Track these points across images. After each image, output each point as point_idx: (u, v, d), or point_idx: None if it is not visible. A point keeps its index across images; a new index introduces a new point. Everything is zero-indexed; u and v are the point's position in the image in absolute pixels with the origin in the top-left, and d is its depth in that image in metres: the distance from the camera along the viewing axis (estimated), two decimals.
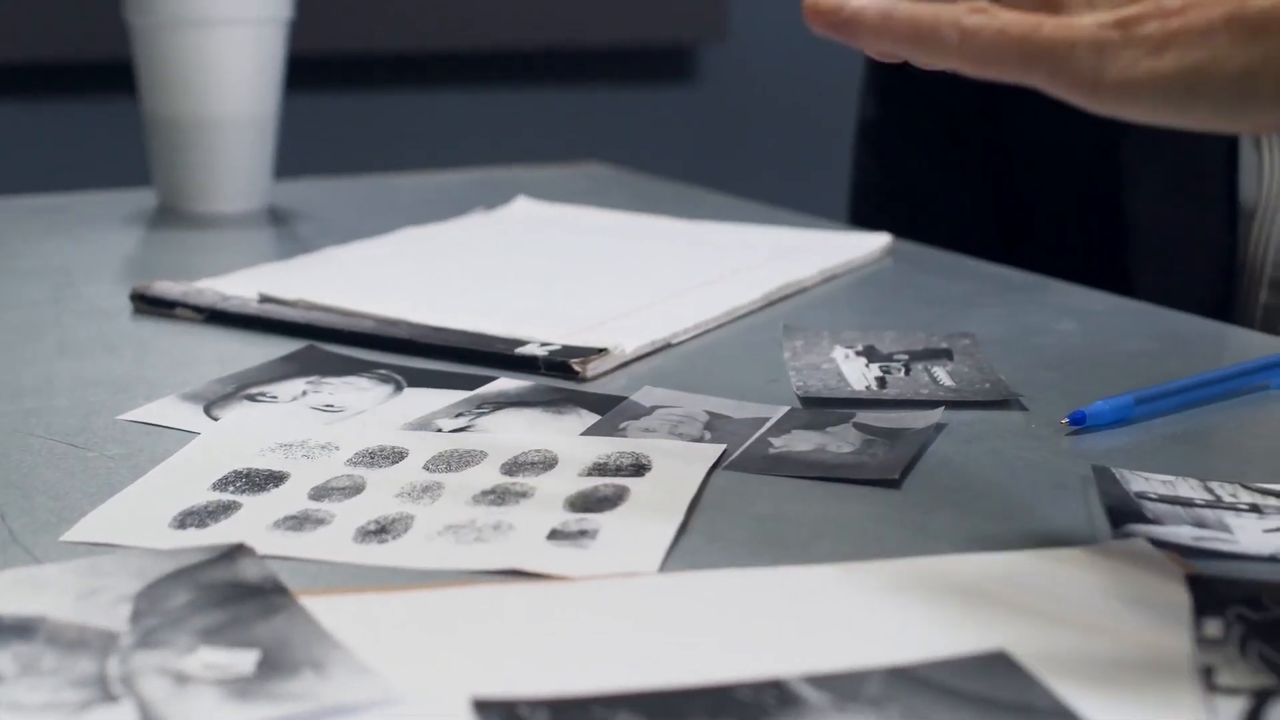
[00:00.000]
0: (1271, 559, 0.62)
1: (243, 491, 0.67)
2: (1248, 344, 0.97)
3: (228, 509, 0.66)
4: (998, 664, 0.52)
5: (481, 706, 0.49)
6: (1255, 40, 0.56)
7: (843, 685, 0.50)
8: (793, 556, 0.61)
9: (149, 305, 0.95)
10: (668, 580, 0.59)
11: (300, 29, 1.28)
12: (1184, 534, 0.63)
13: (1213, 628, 0.54)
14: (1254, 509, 0.66)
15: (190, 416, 0.77)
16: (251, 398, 0.80)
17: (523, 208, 1.23)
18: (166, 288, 0.96)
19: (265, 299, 0.94)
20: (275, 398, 0.80)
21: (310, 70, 2.07)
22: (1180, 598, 0.57)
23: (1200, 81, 0.57)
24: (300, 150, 1.59)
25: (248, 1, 1.22)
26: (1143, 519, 0.64)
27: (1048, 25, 0.59)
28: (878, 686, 0.50)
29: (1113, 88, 0.57)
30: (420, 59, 2.45)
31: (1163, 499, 0.67)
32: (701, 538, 0.63)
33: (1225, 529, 0.64)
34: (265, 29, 1.23)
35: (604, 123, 2.57)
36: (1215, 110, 0.57)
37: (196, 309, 0.94)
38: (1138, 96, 0.57)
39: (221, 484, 0.68)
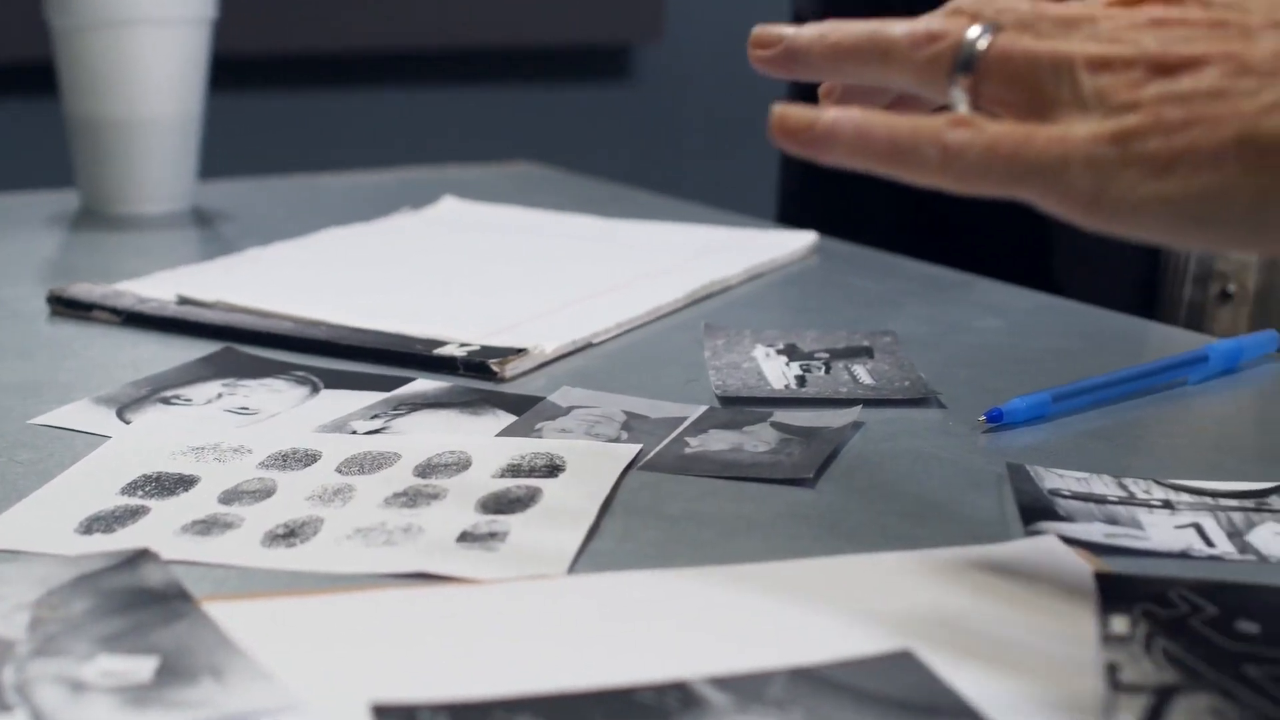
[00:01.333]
0: (1182, 555, 0.62)
1: (151, 496, 0.67)
2: (1169, 340, 0.97)
3: (135, 514, 0.65)
4: (903, 663, 0.52)
5: (381, 712, 0.49)
6: (1268, 165, 0.51)
7: (746, 686, 0.50)
8: (704, 557, 0.61)
9: (66, 308, 0.94)
10: (576, 582, 0.59)
11: (225, 28, 1.27)
12: (1095, 531, 0.63)
13: (1119, 625, 0.54)
14: (1167, 505, 0.66)
15: (102, 420, 0.76)
16: (165, 401, 0.79)
17: (449, 207, 1.23)
18: (84, 290, 0.95)
19: (184, 301, 0.94)
20: (190, 400, 0.79)
21: (236, 70, 2.06)
22: (1088, 595, 0.57)
23: (1210, 209, 0.52)
24: (225, 151, 1.58)
25: (170, 1, 1.21)
26: (1055, 516, 0.64)
27: (1039, 139, 0.54)
28: (781, 688, 0.50)
29: (1112, 209, 0.53)
30: (351, 58, 2.44)
31: (1076, 496, 0.67)
32: (613, 539, 0.63)
33: (1137, 526, 0.64)
34: (188, 29, 1.22)
35: (540, 122, 2.56)
36: (1227, 237, 0.54)
37: (114, 311, 0.93)
38: (1140, 220, 0.53)
39: (130, 488, 0.67)
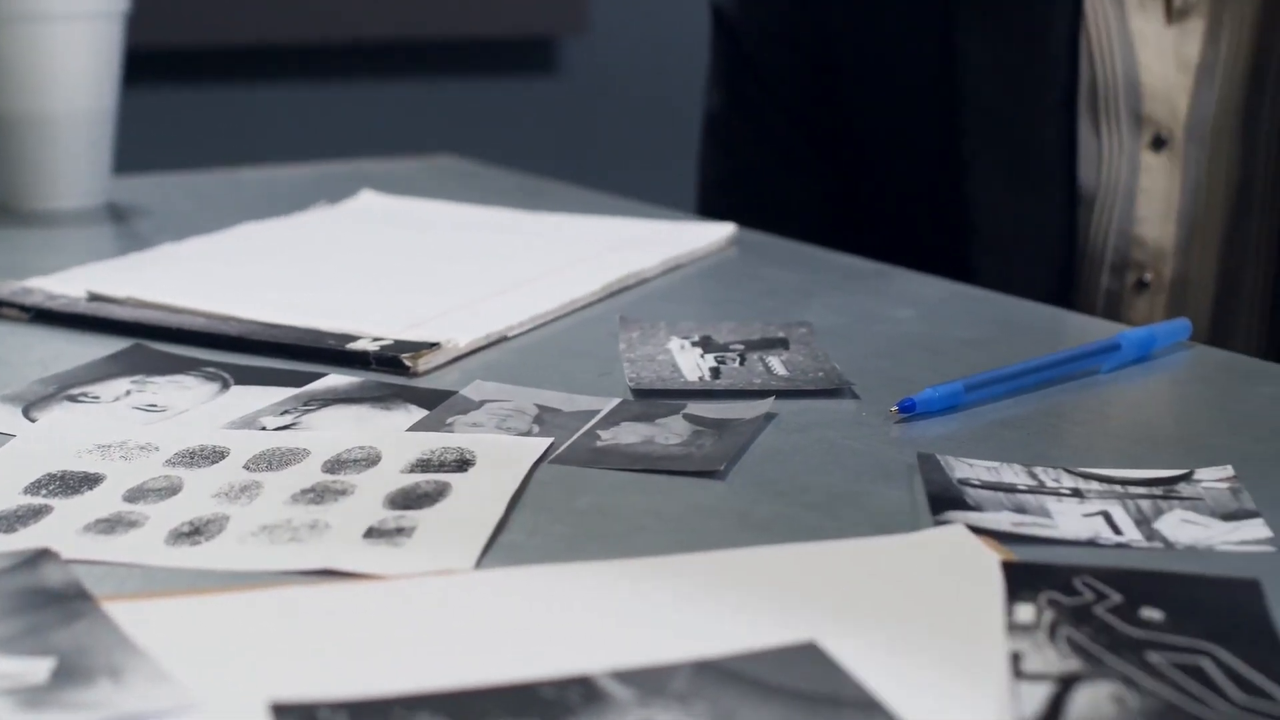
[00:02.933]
0: (1089, 543, 0.62)
1: (55, 495, 0.66)
2: (1084, 330, 0.97)
3: (38, 513, 0.64)
4: (807, 655, 0.52)
5: (280, 711, 0.48)
6: None
7: (649, 680, 0.50)
8: (613, 550, 0.60)
9: None
10: (482, 577, 0.58)
11: (138, 22, 1.26)
12: (1004, 520, 0.63)
13: (1024, 614, 0.54)
14: (1076, 494, 0.66)
15: (7, 418, 0.75)
16: (73, 398, 0.78)
17: (367, 201, 1.22)
18: None
19: (94, 297, 0.92)
20: (97, 398, 0.78)
21: (150, 64, 2.04)
22: (994, 584, 0.57)
23: None
24: (141, 146, 1.56)
25: None
26: (964, 506, 0.64)
27: None
28: (684, 681, 0.50)
29: None
30: (269, 52, 2.42)
31: (985, 485, 0.67)
32: (522, 533, 0.62)
33: (1045, 514, 0.64)
34: (101, 23, 1.21)
35: (465, 117, 2.55)
36: None
37: (23, 308, 0.92)
38: None
39: (34, 487, 0.66)
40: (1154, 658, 0.51)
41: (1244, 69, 1.12)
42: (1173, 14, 1.12)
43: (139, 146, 1.51)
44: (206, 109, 2.39)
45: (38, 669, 0.50)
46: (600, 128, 2.65)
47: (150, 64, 2.07)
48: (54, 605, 0.55)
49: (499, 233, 1.12)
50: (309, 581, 0.58)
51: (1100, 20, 1.13)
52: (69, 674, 0.50)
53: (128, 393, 0.79)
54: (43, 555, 0.58)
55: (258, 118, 2.42)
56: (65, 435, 0.72)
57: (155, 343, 0.86)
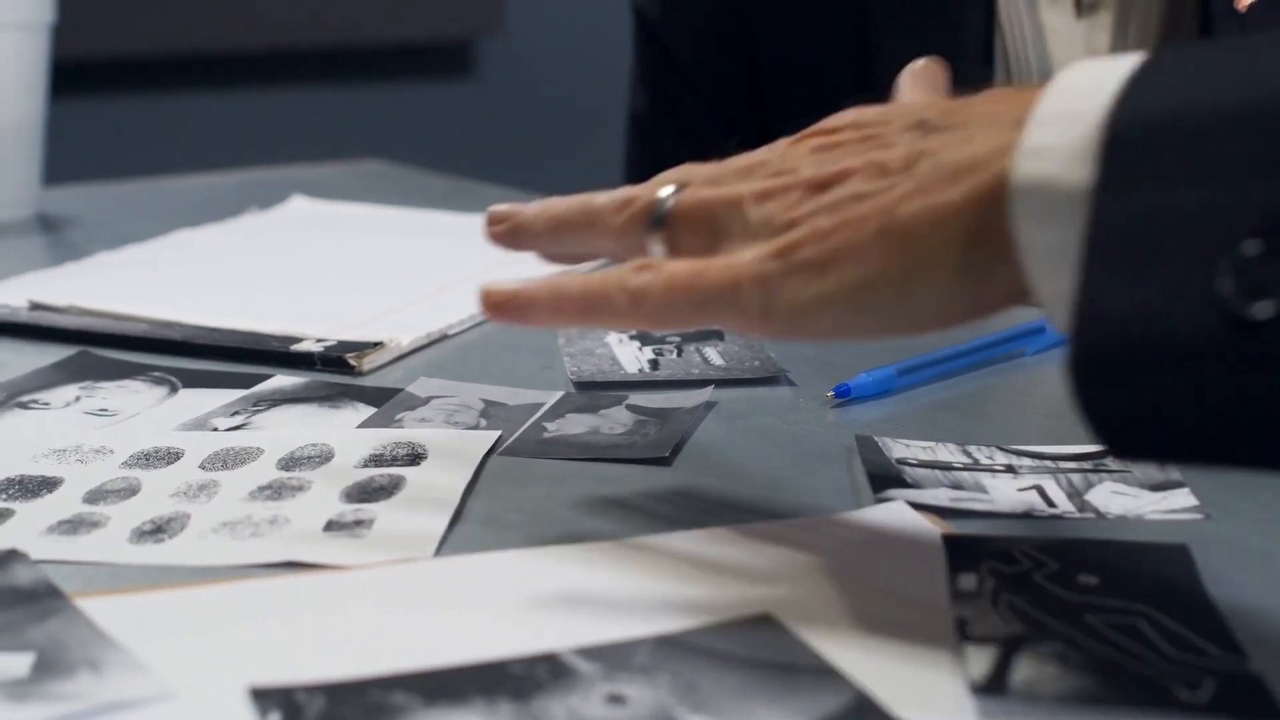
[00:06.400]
0: (1025, 516, 0.64)
1: (15, 499, 0.67)
2: (1009, 314, 0.99)
3: (1, 516, 0.65)
4: (763, 627, 0.54)
5: (259, 695, 0.50)
6: (907, 248, 0.55)
7: (613, 655, 0.52)
8: (566, 536, 0.62)
9: None
10: (443, 564, 0.60)
11: (65, 32, 1.27)
12: (942, 496, 0.66)
13: (967, 582, 0.57)
14: (1009, 469, 0.69)
15: None
16: (23, 405, 0.79)
17: (298, 206, 1.23)
18: None
19: (36, 306, 0.93)
20: (47, 404, 0.79)
21: (77, 74, 2.04)
22: (937, 556, 0.59)
23: (865, 297, 0.56)
24: (69, 156, 1.57)
25: (8, 6, 1.20)
26: (903, 484, 0.67)
27: (712, 269, 0.58)
28: (647, 655, 0.52)
29: (784, 315, 0.57)
30: (193, 61, 2.42)
31: (922, 464, 0.69)
32: (476, 522, 0.64)
33: (981, 490, 0.67)
34: (28, 34, 1.22)
35: (385, 120, 2.56)
36: (886, 322, 0.56)
37: None
38: (808, 320, 0.57)
39: None
40: (1092, 619, 0.54)
41: None
42: (1082, 8, 1.15)
43: (67, 157, 1.52)
44: (132, 119, 2.39)
45: (19, 664, 0.52)
46: (520, 127, 2.67)
47: (77, 75, 2.08)
48: (26, 603, 0.56)
49: (431, 234, 1.14)
50: (273, 574, 0.60)
51: (1012, 15, 1.15)
52: (49, 667, 0.51)
53: (77, 398, 0.80)
54: (11, 556, 0.60)
55: (180, 126, 2.42)
56: (19, 441, 0.73)
57: (100, 349, 0.87)
